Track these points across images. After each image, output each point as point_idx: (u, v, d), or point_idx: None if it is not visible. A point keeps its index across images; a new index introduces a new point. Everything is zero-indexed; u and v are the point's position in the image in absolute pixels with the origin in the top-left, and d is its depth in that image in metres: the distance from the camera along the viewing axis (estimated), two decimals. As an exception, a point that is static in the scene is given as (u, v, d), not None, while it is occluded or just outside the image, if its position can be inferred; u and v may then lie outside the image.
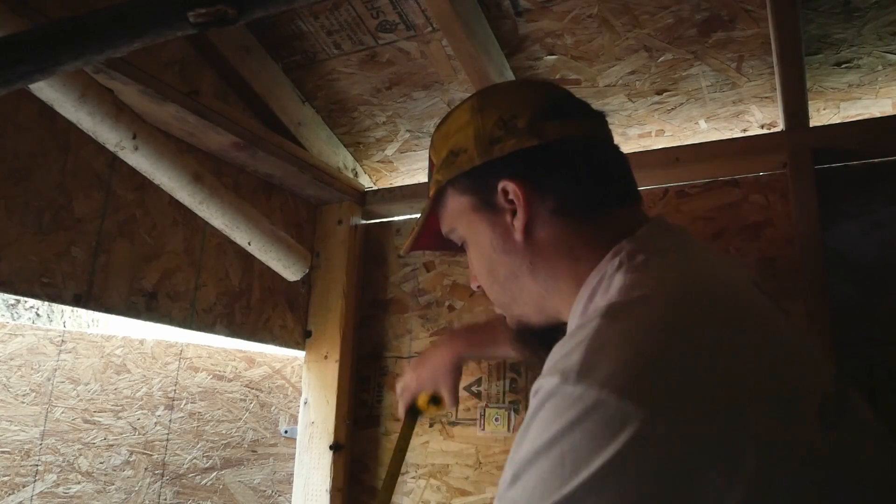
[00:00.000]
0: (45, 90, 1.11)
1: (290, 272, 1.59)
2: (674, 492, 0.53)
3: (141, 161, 1.23)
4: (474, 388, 1.69)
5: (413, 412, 1.30)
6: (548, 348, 0.89)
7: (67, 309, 4.10)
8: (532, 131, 0.78)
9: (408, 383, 1.30)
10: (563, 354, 0.62)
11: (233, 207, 1.39)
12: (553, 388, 0.58)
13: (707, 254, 0.77)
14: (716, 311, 0.64)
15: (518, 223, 0.78)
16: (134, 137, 1.19)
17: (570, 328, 0.78)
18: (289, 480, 1.85)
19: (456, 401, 1.27)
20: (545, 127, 0.78)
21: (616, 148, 0.84)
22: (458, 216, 0.87)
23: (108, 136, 1.18)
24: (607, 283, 0.71)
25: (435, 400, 1.28)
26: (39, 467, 1.86)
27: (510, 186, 0.78)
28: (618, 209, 0.79)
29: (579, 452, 0.54)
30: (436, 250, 1.15)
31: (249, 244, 1.47)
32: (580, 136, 0.80)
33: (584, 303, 0.75)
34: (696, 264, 0.73)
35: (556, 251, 0.78)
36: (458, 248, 0.95)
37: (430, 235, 0.97)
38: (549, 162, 0.78)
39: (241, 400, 2.00)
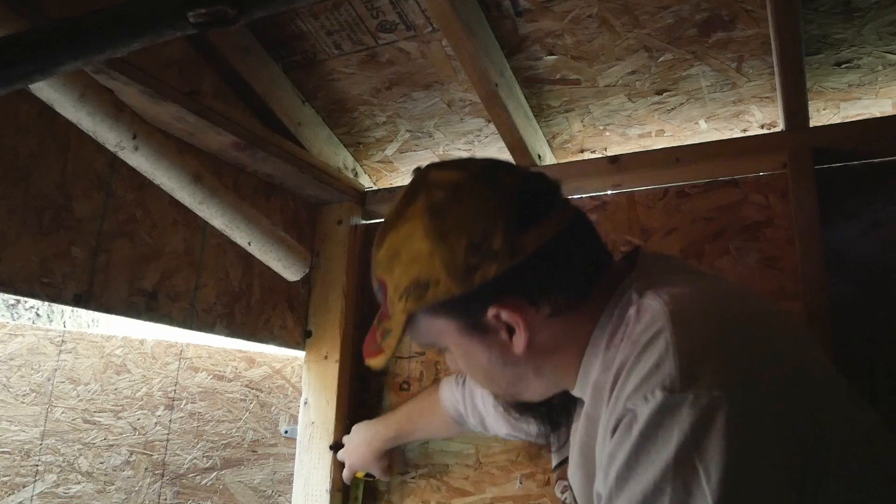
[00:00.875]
0: (45, 90, 1.11)
1: (290, 272, 1.59)
2: (799, 456, 0.59)
3: (141, 161, 1.22)
4: (474, 388, 1.69)
5: (355, 482, 1.70)
6: (547, 412, 0.92)
7: (67, 309, 4.10)
8: (511, 250, 0.73)
9: (346, 461, 1.65)
10: (647, 372, 0.63)
11: (232, 208, 1.38)
12: (661, 402, 0.60)
13: (698, 271, 0.85)
14: (755, 309, 0.73)
15: (519, 341, 0.75)
16: (134, 137, 1.17)
17: (588, 376, 0.78)
18: (289, 480, 1.85)
19: (388, 476, 1.64)
20: (522, 241, 0.73)
21: (583, 217, 0.81)
22: (440, 336, 0.81)
23: (108, 136, 1.17)
24: (634, 310, 0.72)
25: (369, 475, 1.67)
26: (39, 467, 1.86)
27: (504, 313, 0.74)
28: (603, 277, 0.80)
29: (714, 455, 0.56)
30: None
31: (249, 244, 1.46)
32: (557, 234, 0.76)
33: (606, 339, 0.75)
34: (710, 279, 0.83)
35: (557, 346, 0.78)
36: None
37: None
38: (535, 274, 0.74)
39: (241, 400, 2.00)
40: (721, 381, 0.59)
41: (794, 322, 0.77)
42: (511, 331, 0.76)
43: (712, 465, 0.55)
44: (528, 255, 0.73)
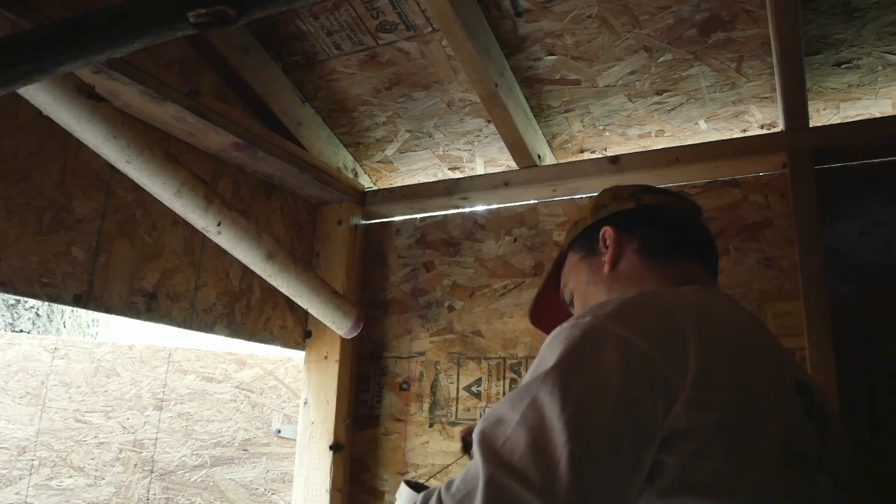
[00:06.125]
0: (145, 181, 1.25)
1: (343, 331, 1.68)
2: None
3: (223, 241, 1.40)
4: (474, 389, 1.69)
5: None
6: None
7: (67, 309, 4.09)
8: (632, 198, 1.01)
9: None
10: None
11: (298, 280, 1.53)
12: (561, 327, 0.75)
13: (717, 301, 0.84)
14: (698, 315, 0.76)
15: (608, 257, 0.96)
16: (218, 224, 1.36)
17: None
18: (283, 479, 1.86)
19: None
20: (643, 196, 1.01)
21: (701, 224, 1.01)
22: (570, 270, 1.05)
23: (197, 222, 1.34)
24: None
25: None
26: (35, 462, 1.93)
27: (608, 232, 0.98)
28: (683, 260, 0.95)
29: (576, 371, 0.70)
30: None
31: (308, 308, 1.62)
32: (669, 205, 1.00)
33: None
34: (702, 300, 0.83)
35: (629, 281, 0.94)
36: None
37: (549, 316, 1.14)
38: (639, 216, 0.99)
39: (231, 401, 2.04)
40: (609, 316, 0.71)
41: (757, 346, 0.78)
42: (603, 253, 0.98)
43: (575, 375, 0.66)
44: (642, 205, 0.99)
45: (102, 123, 1.15)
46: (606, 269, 0.95)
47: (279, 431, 1.96)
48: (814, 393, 0.79)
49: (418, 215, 1.89)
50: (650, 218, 0.98)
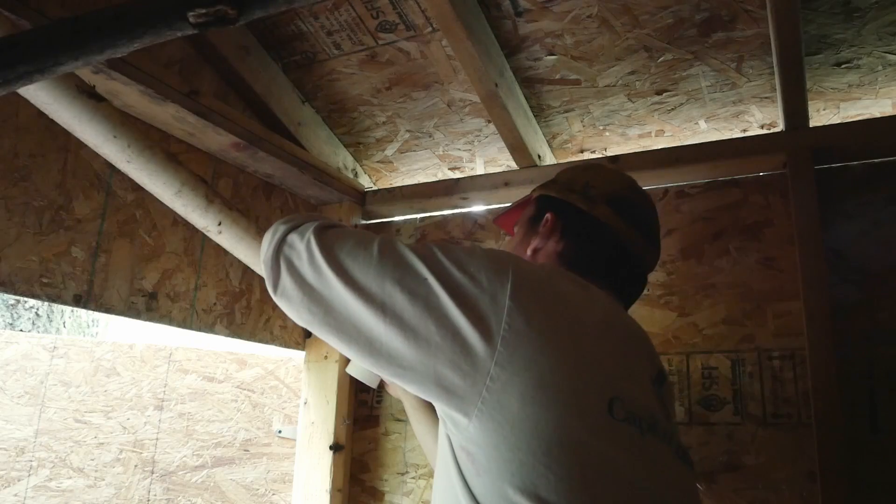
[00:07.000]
0: (147, 182, 1.23)
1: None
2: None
3: (224, 241, 1.41)
4: (474, 389, 1.69)
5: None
6: None
7: (67, 309, 4.09)
8: (591, 200, 1.02)
9: None
10: None
11: None
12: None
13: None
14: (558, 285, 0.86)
15: (533, 243, 1.04)
16: (219, 224, 1.35)
17: None
18: (284, 479, 1.85)
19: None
20: (600, 206, 1.01)
21: (640, 259, 1.03)
22: (523, 217, 1.14)
23: (198, 221, 1.33)
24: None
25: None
26: (33, 463, 1.92)
27: (550, 218, 1.04)
28: (596, 284, 0.94)
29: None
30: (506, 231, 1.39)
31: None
32: (616, 230, 1.00)
33: None
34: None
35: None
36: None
37: (511, 223, 1.26)
38: (581, 224, 1.01)
39: (232, 401, 2.03)
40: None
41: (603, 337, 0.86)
42: (538, 234, 1.05)
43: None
44: (592, 214, 1.01)
45: (103, 123, 1.14)
46: (529, 252, 1.03)
47: (280, 431, 1.95)
48: (668, 384, 0.94)
49: (418, 215, 1.89)
50: (588, 231, 1.01)
